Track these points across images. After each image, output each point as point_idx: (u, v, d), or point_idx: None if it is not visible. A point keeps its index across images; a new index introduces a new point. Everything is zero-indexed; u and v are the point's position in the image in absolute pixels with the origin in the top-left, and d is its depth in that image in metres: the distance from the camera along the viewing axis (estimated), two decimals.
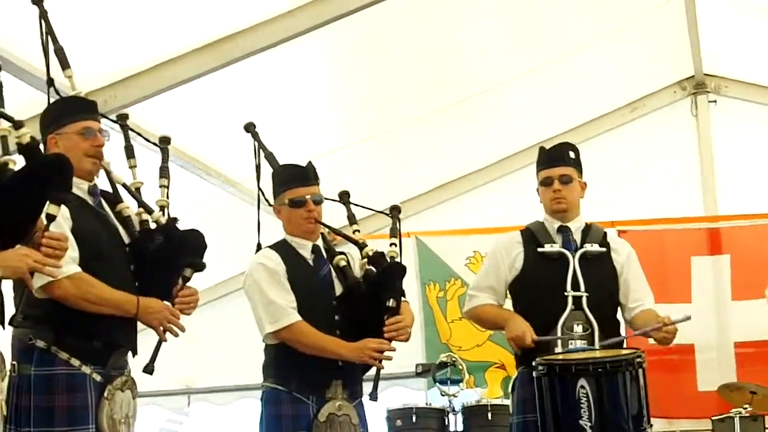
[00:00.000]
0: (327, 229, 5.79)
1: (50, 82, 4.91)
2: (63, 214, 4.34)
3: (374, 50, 7.71)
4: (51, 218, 4.06)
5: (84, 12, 5.77)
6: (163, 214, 5.08)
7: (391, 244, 5.83)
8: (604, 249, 5.88)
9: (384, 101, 8.50)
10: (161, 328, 4.75)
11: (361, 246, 5.77)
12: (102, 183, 4.96)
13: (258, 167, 5.82)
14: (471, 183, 10.52)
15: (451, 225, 9.99)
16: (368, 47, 7.64)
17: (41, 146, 4.45)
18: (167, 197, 5.20)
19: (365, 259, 5.71)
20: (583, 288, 5.71)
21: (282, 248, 5.58)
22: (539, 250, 5.85)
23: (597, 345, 5.61)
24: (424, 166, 9.93)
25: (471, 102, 8.97)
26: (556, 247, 5.83)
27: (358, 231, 5.94)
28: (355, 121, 8.72)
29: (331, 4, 6.56)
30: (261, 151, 5.85)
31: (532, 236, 5.92)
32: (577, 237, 5.89)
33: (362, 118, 8.67)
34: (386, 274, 5.60)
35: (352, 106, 8.43)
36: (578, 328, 5.65)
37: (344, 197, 6.09)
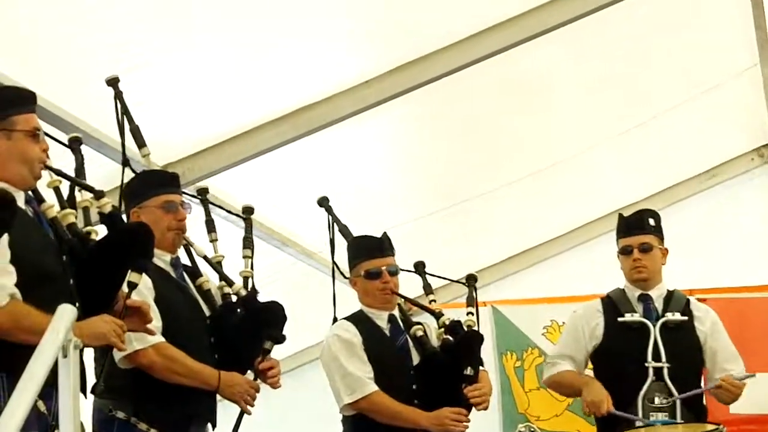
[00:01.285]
0: (403, 300, 5.79)
1: (125, 162, 4.97)
2: (146, 284, 4.39)
3: (449, 119, 7.73)
4: (132, 286, 4.10)
5: (162, 84, 5.86)
6: (246, 286, 5.12)
7: (467, 313, 5.82)
8: (686, 318, 5.80)
9: (459, 170, 8.51)
10: (243, 402, 4.77)
11: (437, 315, 5.76)
12: (183, 255, 5.01)
13: (332, 241, 5.84)
14: (548, 251, 10.46)
15: (528, 294, 9.92)
16: (443, 116, 7.66)
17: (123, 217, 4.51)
18: (251, 268, 5.25)
19: (442, 329, 5.69)
20: (664, 359, 5.63)
21: (358, 319, 5.59)
22: (619, 319, 5.79)
23: (679, 419, 5.52)
24: (500, 234, 9.90)
25: (547, 171, 8.95)
26: (636, 317, 5.77)
27: (435, 301, 5.95)
28: (431, 191, 8.73)
29: (407, 74, 6.61)
30: (335, 225, 5.88)
31: (612, 305, 5.87)
32: (659, 305, 5.82)
33: (437, 188, 8.68)
34: (463, 343, 5.59)
35: (428, 175, 8.45)
36: (659, 400, 5.57)
37: (420, 267, 6.10)
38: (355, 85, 6.55)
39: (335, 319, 5.69)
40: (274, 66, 6.24)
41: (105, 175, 5.54)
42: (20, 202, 3.76)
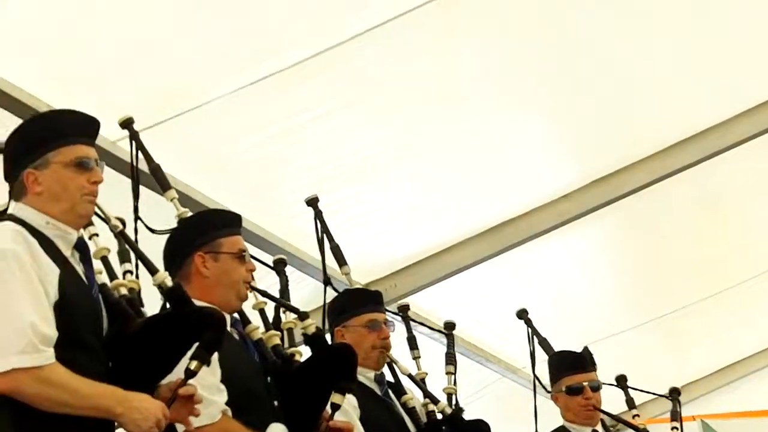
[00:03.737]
0: (606, 416, 5.70)
1: (326, 281, 5.05)
2: (351, 402, 4.40)
3: (650, 232, 7.65)
4: (335, 407, 4.10)
5: (362, 203, 5.99)
6: (450, 402, 5.10)
7: (672, 428, 5.70)
8: None
9: (660, 283, 8.38)
10: None
11: (641, 431, 5.65)
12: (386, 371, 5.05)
13: (532, 355, 5.80)
14: (760, 362, 10.14)
15: (740, 407, 9.61)
16: (644, 229, 7.59)
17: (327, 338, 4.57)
18: (454, 384, 5.25)
19: None
20: None
21: None
22: None
23: None
24: (708, 346, 9.66)
25: (751, 283, 8.72)
26: None
27: (638, 416, 5.83)
28: (632, 304, 8.61)
29: (606, 187, 6.60)
30: (535, 338, 5.84)
31: None
32: None
33: (638, 301, 8.56)
34: None
35: (628, 288, 8.35)
36: None
37: (622, 381, 6.00)
38: (554, 199, 6.55)
39: None
40: (472, 184, 6.32)
41: (308, 294, 5.66)
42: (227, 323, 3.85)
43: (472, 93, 5.83)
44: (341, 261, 5.19)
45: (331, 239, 5.15)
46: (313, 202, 5.12)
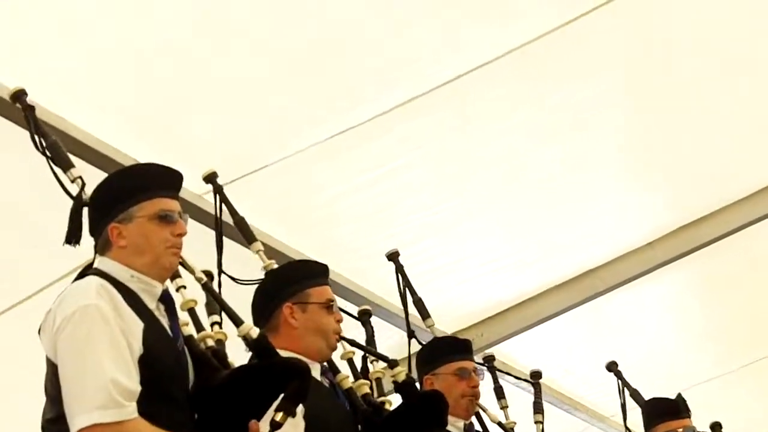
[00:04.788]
0: None
1: (411, 334, 5.04)
2: None
3: (739, 277, 7.54)
4: None
5: (447, 254, 5.98)
6: None
7: None
8: None
9: (750, 329, 8.24)
10: None
11: None
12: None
13: (623, 406, 5.73)
14: None
15: None
16: (733, 274, 7.48)
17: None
18: None
19: None
20: None
21: None
22: None
23: None
24: None
25: None
26: None
27: None
28: (723, 350, 8.47)
29: (691, 234, 6.53)
30: (625, 389, 5.77)
31: None
32: None
33: (730, 347, 8.42)
34: None
35: (718, 335, 8.21)
36: None
37: (717, 429, 5.91)
38: (638, 246, 6.49)
39: None
40: (557, 232, 6.29)
41: (393, 344, 5.64)
42: (316, 373, 3.83)
43: (557, 140, 5.80)
44: (424, 314, 5.16)
45: (413, 293, 5.12)
46: (393, 257, 5.11)
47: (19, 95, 3.72)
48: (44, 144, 3.65)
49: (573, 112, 5.66)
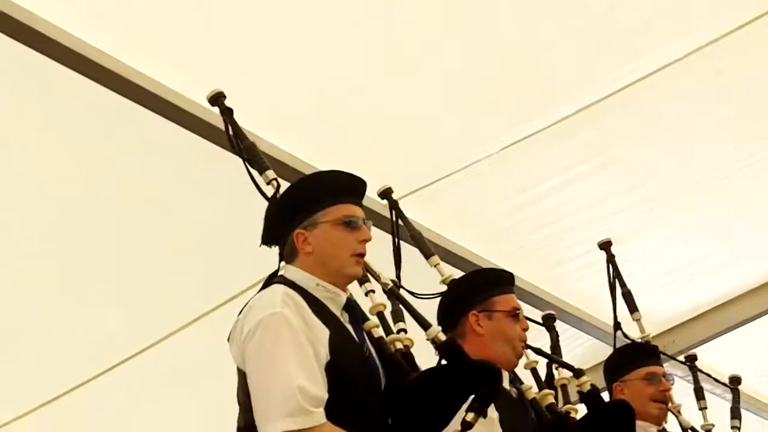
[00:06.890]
0: None
1: (617, 326, 5.02)
2: None
3: None
4: None
5: (641, 259, 5.92)
6: None
7: None
8: None
9: None
10: None
11: None
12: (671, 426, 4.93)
13: None
14: None
15: None
16: None
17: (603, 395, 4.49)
18: None
19: None
20: None
21: None
22: None
23: None
24: None
25: None
26: None
27: None
28: None
29: None
30: None
31: None
32: None
33: None
34: None
35: None
36: None
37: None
38: None
39: None
40: (756, 232, 6.14)
41: (584, 352, 5.60)
42: (505, 381, 3.81)
43: (755, 140, 5.68)
44: (632, 307, 5.13)
45: (623, 284, 5.10)
46: (606, 246, 5.10)
47: (217, 97, 3.74)
48: (241, 146, 3.67)
49: None
